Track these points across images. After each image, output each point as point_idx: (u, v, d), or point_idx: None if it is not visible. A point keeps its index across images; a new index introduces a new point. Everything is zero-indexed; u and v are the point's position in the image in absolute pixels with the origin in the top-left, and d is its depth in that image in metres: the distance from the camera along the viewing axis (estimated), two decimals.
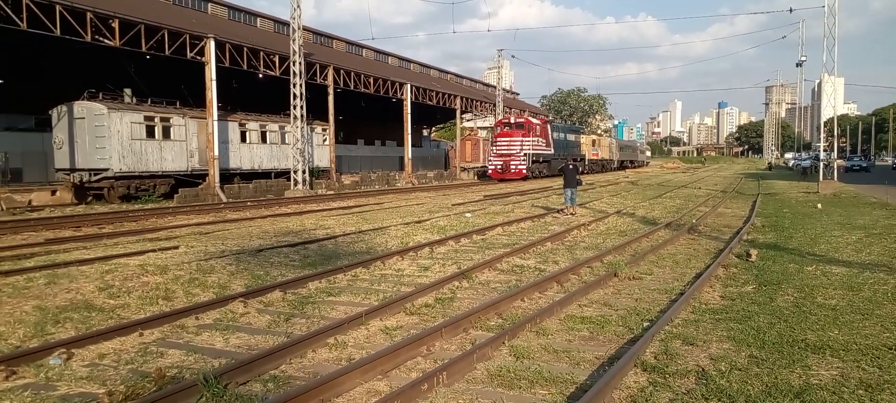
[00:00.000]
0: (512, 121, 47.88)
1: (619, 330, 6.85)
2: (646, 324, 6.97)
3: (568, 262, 11.01)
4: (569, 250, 12.70)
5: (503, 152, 45.64)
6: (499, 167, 45.37)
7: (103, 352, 6.25)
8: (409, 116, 46.34)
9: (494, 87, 66.13)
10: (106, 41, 25.52)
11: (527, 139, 45.31)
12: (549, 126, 50.84)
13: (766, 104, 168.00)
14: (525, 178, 44.30)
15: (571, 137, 57.26)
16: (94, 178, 27.07)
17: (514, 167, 44.59)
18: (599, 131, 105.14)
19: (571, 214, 19.22)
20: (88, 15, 24.53)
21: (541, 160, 47.45)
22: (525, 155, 44.78)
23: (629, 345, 6.19)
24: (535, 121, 49.11)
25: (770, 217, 18.69)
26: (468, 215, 19.11)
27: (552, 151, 49.29)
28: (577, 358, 5.91)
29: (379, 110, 52.18)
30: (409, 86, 46.29)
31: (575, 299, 8.08)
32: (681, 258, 11.53)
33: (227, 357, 6.02)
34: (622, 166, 79.78)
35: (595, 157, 63.40)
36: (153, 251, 12.29)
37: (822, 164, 34.85)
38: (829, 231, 15.01)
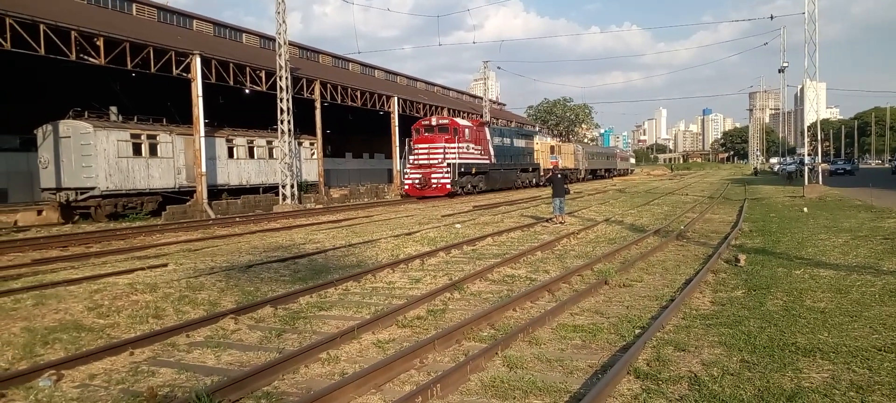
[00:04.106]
0: (433, 123, 38.31)
1: (611, 337, 6.88)
2: (637, 331, 7.00)
3: (558, 271, 11.03)
4: (559, 259, 12.73)
5: (422, 162, 36.82)
6: (416, 181, 36.62)
7: (94, 373, 6.19)
8: (397, 128, 46.38)
9: (481, 99, 66.43)
10: (91, 59, 25.41)
11: (452, 145, 36.30)
12: (487, 129, 41.98)
13: (750, 110, 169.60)
14: (452, 195, 36.09)
15: (521, 143, 47.98)
16: (80, 197, 26.88)
17: (435, 181, 35.99)
18: (586, 140, 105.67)
19: (560, 223, 19.29)
20: (73, 34, 24.43)
21: (474, 171, 38.80)
22: (449, 165, 35.93)
23: (621, 353, 6.21)
24: (463, 122, 40.03)
25: (757, 222, 18.84)
26: (458, 226, 19.12)
27: (491, 160, 41.23)
28: (570, 367, 5.92)
29: (366, 123, 52.21)
30: (396, 98, 46.40)
31: (566, 308, 8.10)
32: (670, 264, 11.59)
33: (220, 375, 5.98)
34: (595, 176, 71.58)
35: (554, 166, 54.54)
36: (142, 269, 12.19)
37: (806, 169, 35.20)
38: (815, 234, 15.14)
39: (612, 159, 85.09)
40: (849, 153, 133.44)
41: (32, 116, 28.60)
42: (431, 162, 36.41)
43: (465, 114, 59.97)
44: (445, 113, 50.99)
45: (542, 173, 50.15)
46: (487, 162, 40.78)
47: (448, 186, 35.97)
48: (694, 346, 6.35)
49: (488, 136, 41.27)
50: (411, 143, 38.10)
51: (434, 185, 36.00)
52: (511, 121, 72.88)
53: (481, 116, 58.06)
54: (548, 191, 33.35)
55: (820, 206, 23.64)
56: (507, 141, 44.96)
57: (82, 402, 5.49)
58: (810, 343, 6.27)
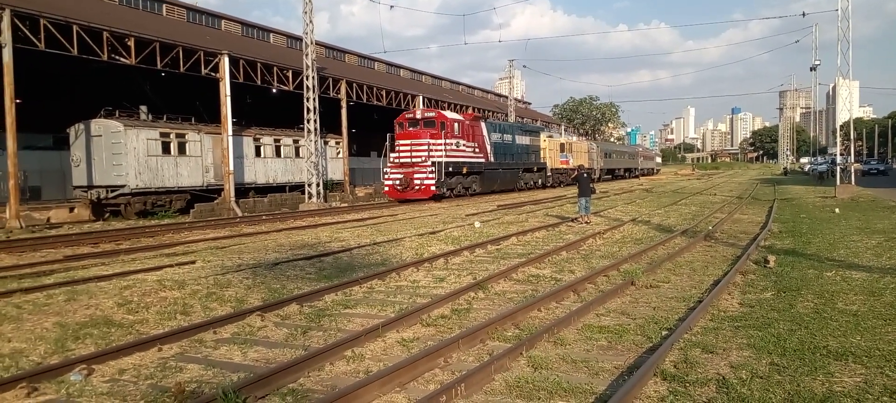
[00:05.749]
0: (417, 116, 34.07)
1: (638, 338, 6.81)
2: (664, 333, 6.92)
3: (584, 271, 10.95)
4: (584, 259, 12.64)
5: (404, 161, 32.44)
6: (397, 182, 32.24)
7: (123, 368, 6.28)
8: None
9: (506, 97, 66.25)
10: (122, 59, 25.84)
11: (437, 141, 31.90)
12: (483, 124, 37.47)
13: (781, 109, 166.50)
14: (437, 198, 32.15)
15: (524, 140, 43.60)
16: (111, 195, 27.35)
17: (418, 182, 31.61)
18: (612, 139, 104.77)
19: (586, 223, 19.15)
20: (104, 34, 24.87)
21: (465, 171, 34.40)
22: (434, 164, 31.48)
23: (648, 354, 6.14)
24: (453, 116, 35.10)
25: (787, 222, 18.53)
26: (481, 225, 19.09)
27: (487, 159, 37.02)
28: (595, 368, 5.87)
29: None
30: (421, 97, 46.46)
31: (592, 308, 8.04)
32: (698, 265, 11.44)
33: (246, 371, 6.03)
34: (614, 176, 67.12)
35: (564, 166, 49.49)
36: (170, 266, 12.36)
37: (838, 168, 34.52)
38: (847, 235, 14.85)
39: (634, 158, 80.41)
40: (882, 153, 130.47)
41: (65, 115, 29.16)
42: (414, 160, 32.07)
43: (491, 114, 59.76)
44: (471, 110, 50.14)
45: (548, 173, 47.46)
46: (482, 160, 36.60)
47: (433, 188, 31.63)
48: (722, 348, 6.25)
49: (485, 132, 37.06)
50: (393, 138, 33.87)
51: (416, 187, 31.76)
52: (536, 120, 72.58)
53: (506, 115, 57.76)
54: (572, 190, 33.08)
55: (852, 207, 23.18)
56: (507, 137, 40.86)
57: (112, 396, 5.57)
58: (842, 347, 6.15)
